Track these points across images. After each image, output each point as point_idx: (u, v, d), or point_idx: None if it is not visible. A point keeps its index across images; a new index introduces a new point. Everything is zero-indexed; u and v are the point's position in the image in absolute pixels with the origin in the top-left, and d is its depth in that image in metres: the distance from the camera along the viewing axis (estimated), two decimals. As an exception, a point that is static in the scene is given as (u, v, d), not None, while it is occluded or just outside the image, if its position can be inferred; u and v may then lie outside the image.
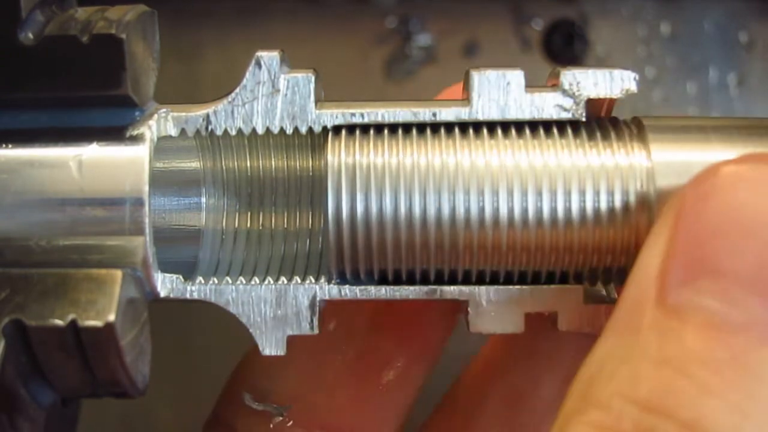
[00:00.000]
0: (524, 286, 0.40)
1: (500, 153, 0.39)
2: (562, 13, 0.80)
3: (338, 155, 0.39)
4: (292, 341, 0.40)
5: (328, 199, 0.39)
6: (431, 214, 0.39)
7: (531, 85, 0.40)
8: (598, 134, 0.40)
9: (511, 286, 0.40)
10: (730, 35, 0.79)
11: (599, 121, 0.41)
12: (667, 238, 0.34)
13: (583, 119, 0.40)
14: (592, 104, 0.40)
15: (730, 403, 0.31)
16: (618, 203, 0.38)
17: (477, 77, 0.40)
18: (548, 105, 0.40)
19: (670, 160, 0.38)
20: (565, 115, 0.40)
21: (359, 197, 0.39)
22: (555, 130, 0.40)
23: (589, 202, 0.38)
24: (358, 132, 0.40)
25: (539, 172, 0.39)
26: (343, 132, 0.40)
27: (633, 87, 0.40)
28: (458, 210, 0.39)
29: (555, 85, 0.40)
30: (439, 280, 0.41)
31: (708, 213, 0.34)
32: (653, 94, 0.79)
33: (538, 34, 0.80)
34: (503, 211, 0.39)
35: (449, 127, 0.40)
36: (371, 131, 0.40)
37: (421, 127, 0.41)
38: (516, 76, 0.40)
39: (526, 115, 0.40)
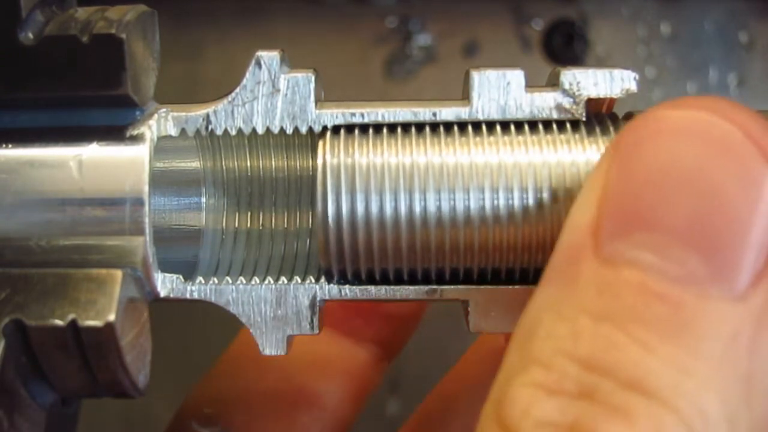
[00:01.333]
0: (524, 286, 0.40)
1: (498, 150, 0.39)
2: (562, 13, 0.80)
3: (328, 155, 0.39)
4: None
5: (317, 198, 0.39)
6: (422, 212, 0.39)
7: (531, 85, 0.40)
8: (597, 130, 0.40)
9: (511, 286, 0.40)
10: (730, 35, 0.79)
11: (598, 117, 0.41)
12: (601, 185, 0.33)
13: (584, 119, 0.40)
14: (592, 104, 0.40)
15: (672, 361, 0.30)
16: None
17: (477, 77, 0.40)
18: (548, 105, 0.40)
19: None
20: (566, 115, 0.40)
21: (358, 197, 0.39)
22: (554, 127, 0.40)
23: None
24: (355, 131, 0.40)
25: (537, 169, 0.39)
26: (342, 131, 0.40)
27: (633, 87, 0.40)
28: (457, 208, 0.38)
29: (555, 85, 0.40)
30: (440, 279, 0.41)
31: (640, 162, 0.33)
32: (653, 94, 0.79)
33: (538, 34, 0.80)
34: (502, 208, 0.38)
35: (446, 125, 0.40)
36: (370, 130, 0.40)
37: (417, 126, 0.40)
38: (516, 76, 0.40)
39: (526, 114, 0.40)
